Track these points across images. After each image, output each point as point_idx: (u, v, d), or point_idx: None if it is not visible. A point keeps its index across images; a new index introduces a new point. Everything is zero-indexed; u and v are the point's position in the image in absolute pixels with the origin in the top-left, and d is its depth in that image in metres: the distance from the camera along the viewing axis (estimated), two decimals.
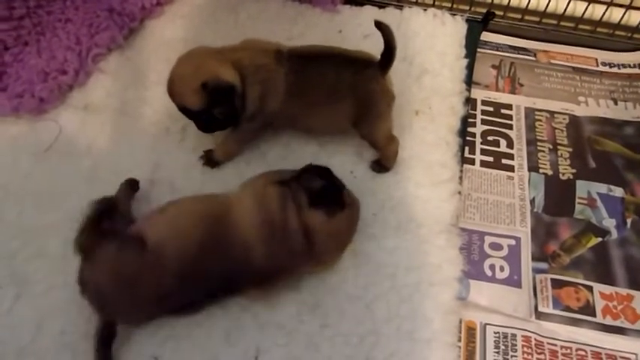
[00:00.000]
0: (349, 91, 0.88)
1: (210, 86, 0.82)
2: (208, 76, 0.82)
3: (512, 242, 0.94)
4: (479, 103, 1.13)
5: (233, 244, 0.76)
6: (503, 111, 1.12)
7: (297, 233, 0.76)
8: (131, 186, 0.92)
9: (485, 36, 1.23)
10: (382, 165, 0.97)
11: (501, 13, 1.24)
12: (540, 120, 1.11)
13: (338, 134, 0.99)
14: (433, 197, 0.94)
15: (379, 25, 0.84)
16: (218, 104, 0.84)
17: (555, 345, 0.84)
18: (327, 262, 0.83)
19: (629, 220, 0.97)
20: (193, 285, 0.76)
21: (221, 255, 0.76)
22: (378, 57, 0.88)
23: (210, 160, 0.97)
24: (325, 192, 0.79)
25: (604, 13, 1.19)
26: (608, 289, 0.89)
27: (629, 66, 1.20)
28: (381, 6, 1.23)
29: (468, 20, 1.20)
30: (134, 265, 0.74)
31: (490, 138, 1.07)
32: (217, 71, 0.83)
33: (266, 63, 0.88)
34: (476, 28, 1.20)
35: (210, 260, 0.75)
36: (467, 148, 1.04)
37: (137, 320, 0.80)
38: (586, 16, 1.20)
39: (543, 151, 1.06)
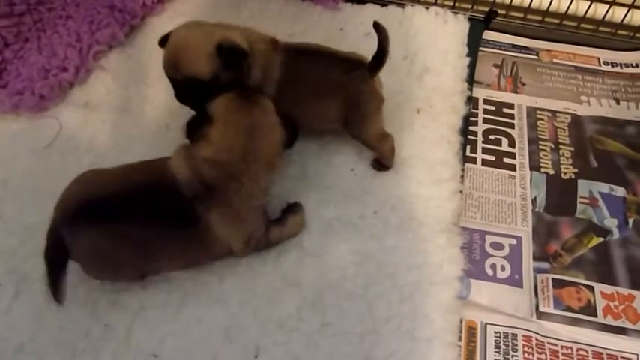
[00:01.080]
0: (337, 89, 0.88)
1: (225, 48, 0.80)
2: (223, 39, 0.81)
3: (514, 242, 0.94)
4: (480, 102, 1.12)
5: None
6: (505, 110, 1.11)
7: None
8: None
9: (488, 35, 1.23)
10: (382, 163, 0.97)
11: (504, 12, 1.24)
12: (542, 119, 1.10)
13: (326, 131, 0.98)
14: (434, 196, 0.94)
15: (377, 27, 0.84)
16: (229, 68, 0.82)
17: (556, 345, 0.84)
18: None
19: (630, 220, 0.96)
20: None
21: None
22: (369, 58, 0.88)
23: (191, 134, 0.94)
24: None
25: (606, 13, 1.19)
26: (609, 289, 0.89)
27: (632, 65, 1.20)
28: (383, 4, 1.23)
29: (470, 19, 1.20)
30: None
31: (492, 137, 1.07)
32: (231, 35, 0.82)
33: (265, 49, 0.88)
34: (478, 26, 1.20)
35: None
36: (468, 147, 1.04)
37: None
38: (588, 15, 1.20)
39: (545, 151, 1.05)
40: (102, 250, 0.75)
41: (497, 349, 0.83)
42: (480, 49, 1.19)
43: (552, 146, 1.06)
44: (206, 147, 0.76)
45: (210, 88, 0.81)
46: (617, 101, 1.14)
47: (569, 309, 0.87)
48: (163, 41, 0.85)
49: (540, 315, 0.86)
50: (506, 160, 1.04)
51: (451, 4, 1.23)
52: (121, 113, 1.04)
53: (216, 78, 0.81)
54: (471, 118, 1.08)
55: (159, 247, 0.78)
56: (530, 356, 0.82)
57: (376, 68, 0.88)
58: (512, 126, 1.09)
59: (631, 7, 1.17)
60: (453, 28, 1.18)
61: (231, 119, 0.78)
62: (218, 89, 0.80)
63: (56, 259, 0.74)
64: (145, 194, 0.75)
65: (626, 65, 1.20)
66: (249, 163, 0.77)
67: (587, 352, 0.83)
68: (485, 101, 1.13)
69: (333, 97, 0.89)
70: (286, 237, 0.88)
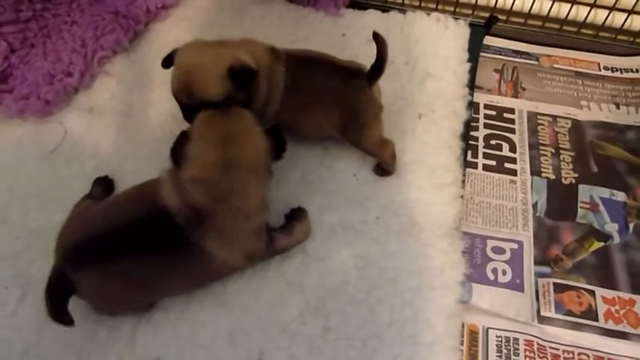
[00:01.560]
0: (336, 98, 0.89)
1: (236, 70, 0.80)
2: (233, 61, 0.81)
3: (515, 246, 0.94)
4: (481, 107, 1.13)
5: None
6: (505, 115, 1.12)
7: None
8: (104, 186, 0.93)
9: (488, 40, 1.23)
10: (383, 169, 0.97)
11: (504, 18, 1.24)
12: (543, 124, 1.11)
13: (325, 139, 0.99)
14: (436, 201, 0.94)
15: (376, 37, 0.85)
16: (241, 89, 0.82)
17: (557, 349, 0.84)
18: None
19: (631, 225, 0.97)
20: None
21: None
22: (368, 66, 0.89)
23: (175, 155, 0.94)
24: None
25: (606, 18, 1.19)
26: (610, 294, 0.89)
27: (632, 70, 1.20)
28: (385, 10, 1.23)
29: (470, 24, 1.20)
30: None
31: (493, 142, 1.08)
32: (240, 56, 0.82)
33: (269, 60, 0.88)
34: (479, 32, 1.21)
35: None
36: (469, 152, 1.05)
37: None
38: (588, 20, 1.20)
39: (546, 156, 1.06)
40: (106, 288, 0.75)
41: (498, 354, 0.84)
42: (481, 54, 1.19)
43: (553, 151, 1.07)
44: (188, 167, 0.74)
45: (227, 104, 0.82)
46: (618, 106, 1.14)
47: (570, 313, 0.87)
48: (167, 61, 0.85)
49: (542, 319, 0.87)
50: (507, 164, 1.05)
51: (452, 9, 1.24)
52: (125, 118, 1.05)
53: (229, 99, 0.81)
54: (472, 123, 1.09)
55: (160, 278, 0.77)
56: None
57: (375, 77, 0.88)
58: (512, 131, 1.10)
59: (631, 12, 1.18)
60: (454, 34, 1.19)
61: (206, 133, 0.76)
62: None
63: (58, 297, 0.74)
64: (139, 227, 0.74)
65: (626, 70, 1.20)
66: (232, 176, 0.74)
67: (589, 356, 0.84)
68: (486, 106, 1.14)
69: (333, 105, 0.89)
70: (293, 245, 0.88)
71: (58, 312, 0.73)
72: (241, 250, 0.79)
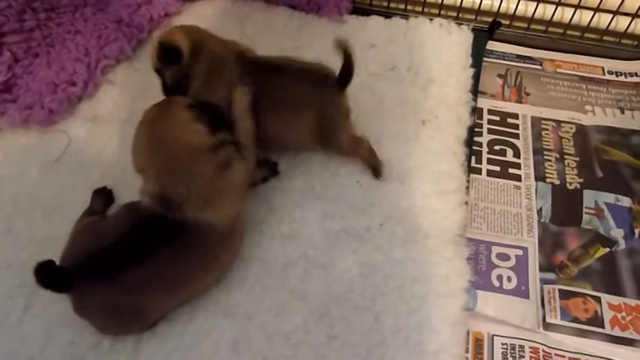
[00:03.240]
0: (310, 103, 0.89)
1: (162, 46, 0.87)
2: (165, 38, 0.88)
3: (520, 252, 0.94)
4: (485, 112, 1.13)
5: None
6: (509, 120, 1.12)
7: None
8: (104, 197, 0.94)
9: (492, 45, 1.23)
10: (373, 168, 0.97)
11: (507, 23, 1.24)
12: (547, 129, 1.11)
13: (297, 149, 0.99)
14: (440, 207, 0.94)
15: (339, 44, 0.84)
16: (167, 65, 0.89)
17: (563, 356, 0.84)
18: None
19: (637, 231, 0.96)
20: None
21: None
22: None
23: None
24: None
25: (610, 22, 1.19)
26: (616, 300, 0.89)
27: (636, 75, 1.20)
28: (387, 16, 1.23)
29: (474, 30, 1.20)
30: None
31: (497, 147, 1.07)
32: (174, 37, 0.88)
33: (224, 56, 0.90)
34: (482, 37, 1.21)
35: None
36: (473, 158, 1.04)
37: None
38: (592, 24, 1.20)
39: (550, 161, 1.06)
40: (113, 304, 0.75)
41: None
42: (484, 59, 1.19)
43: (557, 156, 1.06)
44: (133, 159, 0.81)
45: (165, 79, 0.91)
46: (622, 110, 1.14)
47: (576, 320, 0.87)
48: None
49: (547, 326, 0.86)
50: (511, 170, 1.04)
51: (455, 15, 1.24)
52: (129, 127, 1.02)
53: (160, 71, 0.90)
54: (476, 129, 1.08)
55: (168, 278, 0.77)
56: None
57: (346, 83, 0.88)
58: (517, 136, 1.10)
59: (635, 16, 1.17)
60: (457, 39, 1.18)
61: (139, 127, 0.82)
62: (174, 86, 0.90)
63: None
64: (133, 233, 0.76)
65: (631, 74, 1.20)
66: (162, 154, 0.78)
67: None
68: (490, 111, 1.13)
69: (308, 111, 0.89)
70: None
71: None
72: (221, 198, 0.80)
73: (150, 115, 0.82)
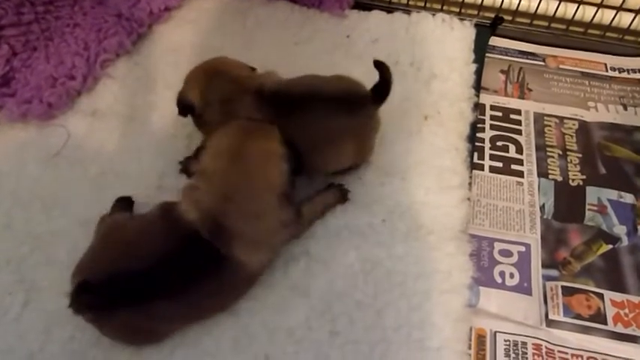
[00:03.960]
0: (347, 132, 0.86)
1: (179, 100, 0.89)
2: (182, 93, 0.89)
3: (522, 249, 0.94)
4: (487, 108, 1.12)
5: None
6: (512, 116, 1.11)
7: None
8: (126, 205, 0.90)
9: (494, 41, 1.22)
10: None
11: (510, 18, 1.23)
12: (549, 125, 1.10)
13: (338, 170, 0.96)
14: (443, 203, 0.93)
15: (379, 65, 0.83)
16: (183, 114, 0.90)
17: (566, 353, 0.83)
18: None
19: (639, 227, 0.96)
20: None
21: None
22: (369, 86, 0.86)
23: (185, 169, 0.96)
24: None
25: (613, 18, 1.18)
26: (619, 297, 0.88)
27: (639, 71, 1.19)
28: (389, 11, 1.23)
29: (476, 25, 1.20)
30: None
31: (499, 143, 1.07)
32: (188, 92, 0.89)
33: (236, 96, 0.87)
34: (484, 33, 1.20)
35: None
36: (476, 154, 1.04)
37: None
38: (595, 20, 1.19)
39: (553, 157, 1.05)
40: (137, 325, 0.74)
41: (507, 358, 0.83)
42: (487, 55, 1.18)
43: (560, 152, 1.06)
44: (203, 158, 0.76)
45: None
46: (625, 107, 1.13)
47: (578, 317, 0.86)
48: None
49: (550, 323, 0.86)
50: (513, 166, 1.04)
51: (457, 10, 1.23)
52: (128, 121, 1.04)
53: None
54: (478, 125, 1.08)
55: (198, 305, 0.76)
56: None
57: (381, 100, 0.86)
58: (519, 132, 1.09)
59: (638, 12, 1.17)
60: (459, 35, 1.18)
61: (216, 143, 0.77)
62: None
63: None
64: (173, 259, 0.72)
65: (634, 71, 1.19)
66: (238, 171, 0.74)
67: None
68: (492, 107, 1.13)
69: (346, 140, 0.87)
70: (320, 211, 0.90)
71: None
72: (267, 248, 0.78)
73: (246, 127, 0.78)
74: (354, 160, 0.93)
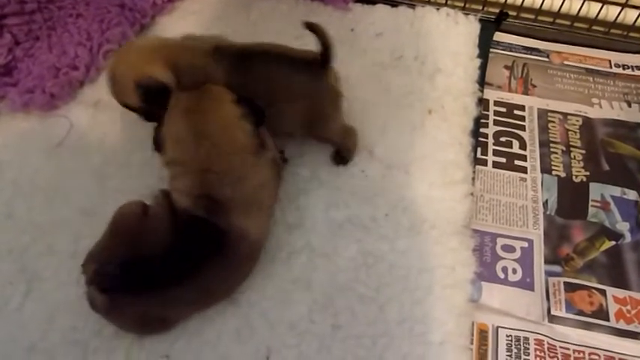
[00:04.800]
0: (297, 92, 0.85)
1: (143, 85, 0.82)
2: (141, 77, 0.82)
3: (525, 245, 0.93)
4: (491, 103, 1.12)
5: None
6: (516, 112, 1.11)
7: None
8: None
9: (498, 36, 1.22)
10: (341, 156, 0.96)
11: (514, 14, 1.23)
12: (553, 121, 1.10)
13: (285, 137, 0.96)
14: (446, 198, 0.93)
15: (310, 26, 0.80)
16: (153, 102, 0.83)
17: (568, 349, 0.83)
18: None
19: None
20: None
21: None
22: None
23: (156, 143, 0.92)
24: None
25: (618, 15, 1.18)
26: (621, 293, 0.88)
27: None
28: (394, 4, 1.22)
29: (481, 20, 1.19)
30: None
31: (503, 139, 1.07)
32: (150, 71, 0.82)
33: (204, 63, 0.84)
34: (489, 28, 1.20)
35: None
36: (479, 149, 1.04)
37: None
38: (600, 17, 1.19)
39: (556, 153, 1.05)
40: (148, 313, 0.75)
41: (508, 353, 0.83)
42: (491, 50, 1.18)
43: (564, 149, 1.05)
44: (164, 152, 0.76)
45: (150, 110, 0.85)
46: (629, 104, 1.13)
47: (581, 313, 0.86)
48: None
49: (552, 319, 0.86)
50: (517, 162, 1.03)
51: (462, 5, 1.23)
52: (131, 112, 1.03)
53: (145, 108, 0.85)
54: (482, 120, 1.07)
55: (210, 287, 0.76)
56: None
57: (326, 63, 0.84)
58: (523, 128, 1.09)
59: None
60: (464, 29, 1.17)
61: (172, 130, 0.76)
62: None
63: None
64: (177, 245, 0.72)
65: (638, 67, 1.19)
66: (205, 146, 0.74)
67: (600, 356, 0.83)
68: (496, 103, 1.12)
69: (296, 100, 0.86)
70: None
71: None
72: (261, 209, 0.79)
73: (191, 104, 0.77)
74: (307, 129, 0.90)
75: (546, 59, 1.20)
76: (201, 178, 0.74)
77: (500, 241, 0.94)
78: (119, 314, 0.74)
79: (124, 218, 0.78)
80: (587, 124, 1.09)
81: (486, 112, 1.10)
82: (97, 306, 0.73)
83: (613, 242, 0.94)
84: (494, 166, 1.03)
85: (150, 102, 0.83)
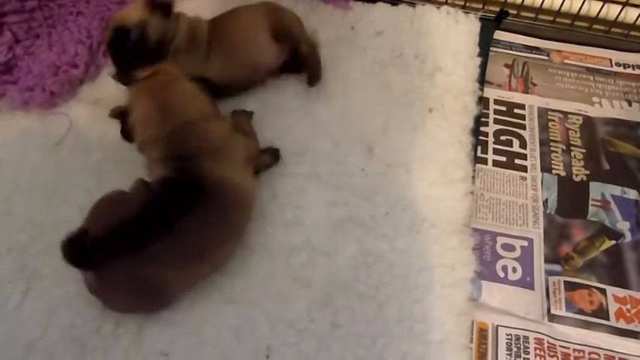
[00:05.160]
0: (261, 22, 1.00)
1: (116, 30, 0.93)
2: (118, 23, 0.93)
3: (525, 243, 0.93)
4: (491, 102, 1.12)
5: None
6: (516, 111, 1.11)
7: None
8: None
9: (499, 35, 1.22)
10: (312, 75, 1.03)
11: (515, 12, 1.23)
12: (553, 120, 1.10)
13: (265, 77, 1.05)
14: (446, 197, 0.93)
15: None
16: (121, 52, 0.93)
17: (568, 348, 0.83)
18: None
19: None
20: None
21: None
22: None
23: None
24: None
25: (619, 13, 1.17)
26: (621, 293, 0.88)
27: None
28: (394, 3, 1.22)
29: (481, 19, 1.19)
30: None
31: (503, 138, 1.06)
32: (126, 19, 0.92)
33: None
34: (489, 26, 1.19)
35: None
36: (479, 148, 1.03)
37: None
38: (601, 16, 1.19)
39: (556, 152, 1.05)
40: (136, 278, 0.74)
41: (508, 352, 0.83)
42: (491, 49, 1.18)
43: (564, 148, 1.05)
44: (137, 133, 0.82)
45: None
46: (630, 103, 1.13)
47: (581, 312, 0.86)
48: None
49: (552, 318, 0.86)
50: (517, 161, 1.03)
51: (462, 3, 1.23)
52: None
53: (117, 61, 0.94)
54: (482, 119, 1.07)
55: (196, 240, 0.77)
56: (542, 359, 0.82)
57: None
58: (523, 127, 1.09)
59: None
60: (464, 28, 1.17)
61: (139, 111, 0.82)
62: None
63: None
64: (154, 203, 0.76)
65: (639, 67, 1.19)
66: (169, 116, 0.80)
67: (600, 355, 0.82)
68: (496, 101, 1.12)
69: (261, 29, 0.99)
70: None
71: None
72: (237, 159, 0.82)
73: (152, 84, 0.82)
74: (275, 52, 1.01)
75: (547, 58, 1.20)
76: (168, 141, 0.79)
77: (500, 240, 0.94)
78: (111, 288, 0.74)
79: (100, 202, 0.82)
80: (588, 123, 1.09)
81: (486, 111, 1.10)
82: (89, 285, 0.75)
83: (613, 241, 0.94)
84: (494, 165, 1.02)
85: (118, 52, 0.92)
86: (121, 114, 0.86)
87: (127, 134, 0.86)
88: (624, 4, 1.16)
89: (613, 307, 0.87)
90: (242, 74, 1.01)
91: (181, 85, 0.84)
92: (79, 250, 0.71)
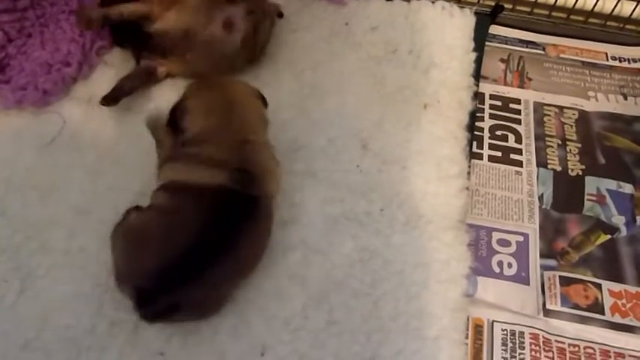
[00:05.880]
0: None
1: None
2: None
3: (521, 239, 0.93)
4: (487, 97, 1.11)
5: None
6: (511, 105, 1.10)
7: None
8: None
9: (494, 29, 1.21)
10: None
11: (510, 6, 1.22)
12: (549, 115, 1.09)
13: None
14: (441, 193, 0.93)
15: None
16: None
17: (563, 343, 0.83)
18: None
19: (638, 218, 0.96)
20: None
21: None
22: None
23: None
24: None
25: (614, 7, 1.17)
26: (617, 287, 0.88)
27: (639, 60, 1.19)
28: None
29: (476, 13, 1.18)
30: None
31: (498, 133, 1.06)
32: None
33: None
34: (484, 21, 1.19)
35: None
36: (475, 143, 1.03)
37: None
38: (596, 9, 1.18)
39: (552, 147, 1.05)
40: (200, 301, 0.75)
41: (504, 347, 0.83)
42: (486, 43, 1.17)
43: (559, 142, 1.05)
44: (193, 122, 0.80)
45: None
46: (625, 97, 1.13)
47: (576, 307, 0.86)
48: None
49: (547, 313, 0.86)
50: (512, 156, 1.03)
51: None
52: (125, 109, 1.03)
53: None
54: (477, 114, 1.07)
55: (247, 255, 0.78)
56: (538, 354, 0.82)
57: None
58: (518, 122, 1.08)
59: (639, 1, 1.16)
60: (459, 23, 1.17)
61: (200, 103, 0.82)
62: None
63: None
64: (212, 224, 0.72)
65: (634, 60, 1.18)
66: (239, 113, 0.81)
67: (595, 350, 0.83)
68: (492, 96, 1.12)
69: None
70: None
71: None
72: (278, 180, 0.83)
73: (209, 84, 0.85)
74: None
75: (542, 52, 1.20)
76: (239, 150, 0.77)
77: (495, 236, 0.93)
78: (171, 314, 0.74)
79: (132, 232, 0.77)
80: (583, 117, 1.09)
81: (482, 106, 1.09)
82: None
83: (608, 236, 0.94)
84: (489, 160, 1.02)
85: None
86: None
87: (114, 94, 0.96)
88: None
89: (608, 302, 0.87)
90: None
91: (240, 85, 0.86)
92: (154, 306, 0.70)
